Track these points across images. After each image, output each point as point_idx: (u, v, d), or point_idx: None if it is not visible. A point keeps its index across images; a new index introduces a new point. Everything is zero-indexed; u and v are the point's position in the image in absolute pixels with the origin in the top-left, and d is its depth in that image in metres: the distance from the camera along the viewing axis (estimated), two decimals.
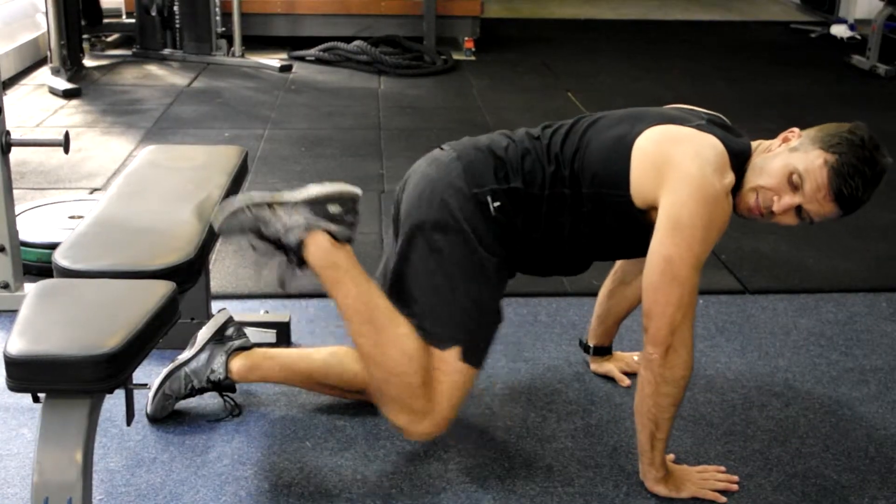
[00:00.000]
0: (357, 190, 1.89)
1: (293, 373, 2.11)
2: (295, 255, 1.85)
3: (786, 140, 1.89)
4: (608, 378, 2.37)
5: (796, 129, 1.90)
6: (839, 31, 6.78)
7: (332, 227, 1.84)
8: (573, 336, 2.57)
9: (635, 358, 2.37)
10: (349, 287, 1.86)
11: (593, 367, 2.40)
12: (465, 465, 2.02)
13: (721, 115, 2.01)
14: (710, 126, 1.90)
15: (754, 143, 1.94)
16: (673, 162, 1.82)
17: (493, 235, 1.91)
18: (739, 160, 1.87)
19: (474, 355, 1.93)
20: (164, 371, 2.11)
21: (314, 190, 1.85)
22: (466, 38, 6.03)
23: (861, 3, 7.07)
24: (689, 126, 1.89)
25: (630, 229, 1.92)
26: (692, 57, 6.22)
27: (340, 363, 2.09)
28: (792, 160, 1.84)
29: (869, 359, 2.52)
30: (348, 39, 5.70)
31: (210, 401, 2.20)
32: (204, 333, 2.12)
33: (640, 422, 1.90)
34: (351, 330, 1.89)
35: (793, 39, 6.90)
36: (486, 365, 2.39)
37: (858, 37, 6.64)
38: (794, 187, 1.83)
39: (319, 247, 1.84)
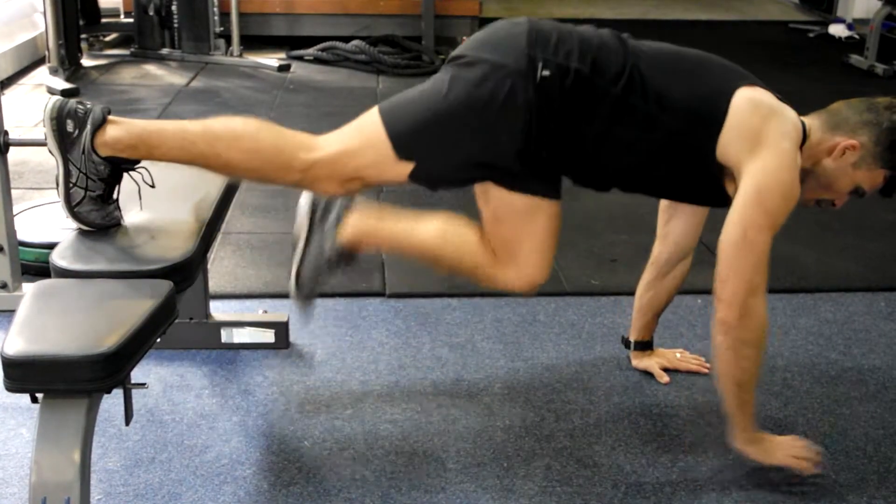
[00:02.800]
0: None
1: (406, 247, 2.08)
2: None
3: (843, 153, 1.94)
4: (608, 377, 2.37)
5: (857, 144, 1.93)
6: (837, 30, 6.78)
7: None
8: (571, 335, 2.57)
9: (678, 355, 2.43)
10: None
11: (634, 362, 2.42)
12: (463, 464, 2.02)
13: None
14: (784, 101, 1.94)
15: (808, 123, 1.97)
16: (767, 134, 1.86)
17: (526, 101, 1.83)
18: (803, 140, 1.94)
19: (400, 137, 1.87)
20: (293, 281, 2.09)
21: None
22: (465, 38, 5.99)
23: (859, 2, 7.08)
24: (776, 97, 1.92)
25: (692, 172, 1.94)
26: None
27: (455, 238, 2.04)
28: (857, 179, 1.97)
29: (867, 358, 2.52)
30: (347, 39, 5.69)
31: (209, 400, 2.20)
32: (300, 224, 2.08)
33: (725, 388, 1.92)
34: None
35: (791, 39, 6.90)
36: (484, 364, 2.42)
37: (857, 36, 6.64)
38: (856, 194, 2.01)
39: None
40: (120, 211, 1.89)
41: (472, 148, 1.88)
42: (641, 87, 1.87)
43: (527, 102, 1.83)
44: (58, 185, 1.85)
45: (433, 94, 1.88)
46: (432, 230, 2.04)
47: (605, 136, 1.88)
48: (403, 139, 1.87)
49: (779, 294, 2.87)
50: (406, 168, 1.88)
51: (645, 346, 2.41)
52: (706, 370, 2.38)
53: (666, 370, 2.37)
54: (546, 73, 1.84)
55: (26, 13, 5.53)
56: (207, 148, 1.82)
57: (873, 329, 2.68)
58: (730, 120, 1.87)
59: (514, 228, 1.95)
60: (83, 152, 1.81)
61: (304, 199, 2.09)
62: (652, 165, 1.93)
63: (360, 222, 2.04)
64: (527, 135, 1.85)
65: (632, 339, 2.41)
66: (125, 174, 1.90)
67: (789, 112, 1.92)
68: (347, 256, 2.06)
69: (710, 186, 1.94)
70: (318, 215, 2.06)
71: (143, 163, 1.90)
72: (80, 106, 1.84)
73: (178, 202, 2.02)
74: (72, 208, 1.84)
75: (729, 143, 1.87)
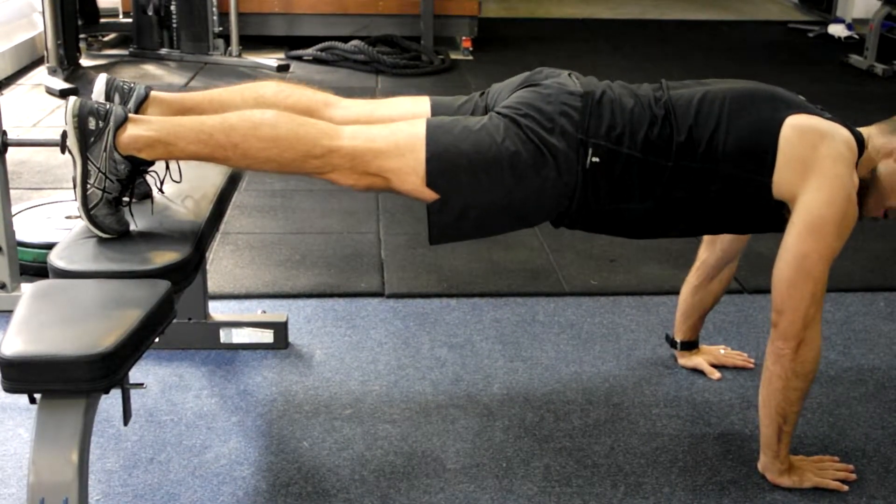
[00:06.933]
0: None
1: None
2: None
3: None
4: (608, 378, 2.37)
5: None
6: (837, 30, 6.78)
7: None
8: (571, 335, 2.57)
9: (721, 351, 2.45)
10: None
11: (681, 361, 2.43)
12: (462, 464, 2.02)
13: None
14: (835, 119, 1.90)
15: (868, 133, 1.95)
16: (816, 161, 1.83)
17: (573, 185, 1.83)
18: (860, 154, 1.91)
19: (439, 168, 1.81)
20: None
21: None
22: (464, 38, 6.02)
23: (858, 2, 7.07)
24: (825, 119, 1.89)
25: (751, 210, 1.91)
26: (690, 56, 6.22)
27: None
28: None
29: (867, 358, 2.52)
30: (346, 39, 5.69)
31: (207, 401, 2.20)
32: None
33: (767, 415, 1.93)
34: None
35: (790, 39, 6.90)
36: (483, 364, 2.41)
37: (856, 36, 6.64)
38: None
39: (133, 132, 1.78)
40: (133, 217, 1.87)
41: (506, 201, 1.85)
42: (692, 148, 1.84)
43: (573, 187, 1.84)
44: (75, 185, 1.81)
45: (486, 136, 1.83)
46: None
47: (660, 203, 1.87)
48: (437, 169, 1.81)
49: None
50: (429, 193, 1.83)
51: (691, 345, 2.43)
52: (751, 365, 2.42)
53: (714, 366, 2.40)
54: (596, 159, 1.83)
55: (25, 13, 5.53)
56: (225, 139, 1.78)
57: (873, 329, 2.68)
58: (780, 155, 1.84)
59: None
60: (104, 149, 1.79)
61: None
62: (709, 214, 1.92)
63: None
64: (563, 213, 1.88)
65: (678, 340, 2.42)
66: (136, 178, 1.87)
67: (840, 131, 1.87)
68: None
69: (768, 219, 1.92)
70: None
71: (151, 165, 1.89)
72: (101, 105, 1.81)
73: (177, 202, 2.01)
74: (88, 211, 1.81)
75: (782, 178, 1.85)
